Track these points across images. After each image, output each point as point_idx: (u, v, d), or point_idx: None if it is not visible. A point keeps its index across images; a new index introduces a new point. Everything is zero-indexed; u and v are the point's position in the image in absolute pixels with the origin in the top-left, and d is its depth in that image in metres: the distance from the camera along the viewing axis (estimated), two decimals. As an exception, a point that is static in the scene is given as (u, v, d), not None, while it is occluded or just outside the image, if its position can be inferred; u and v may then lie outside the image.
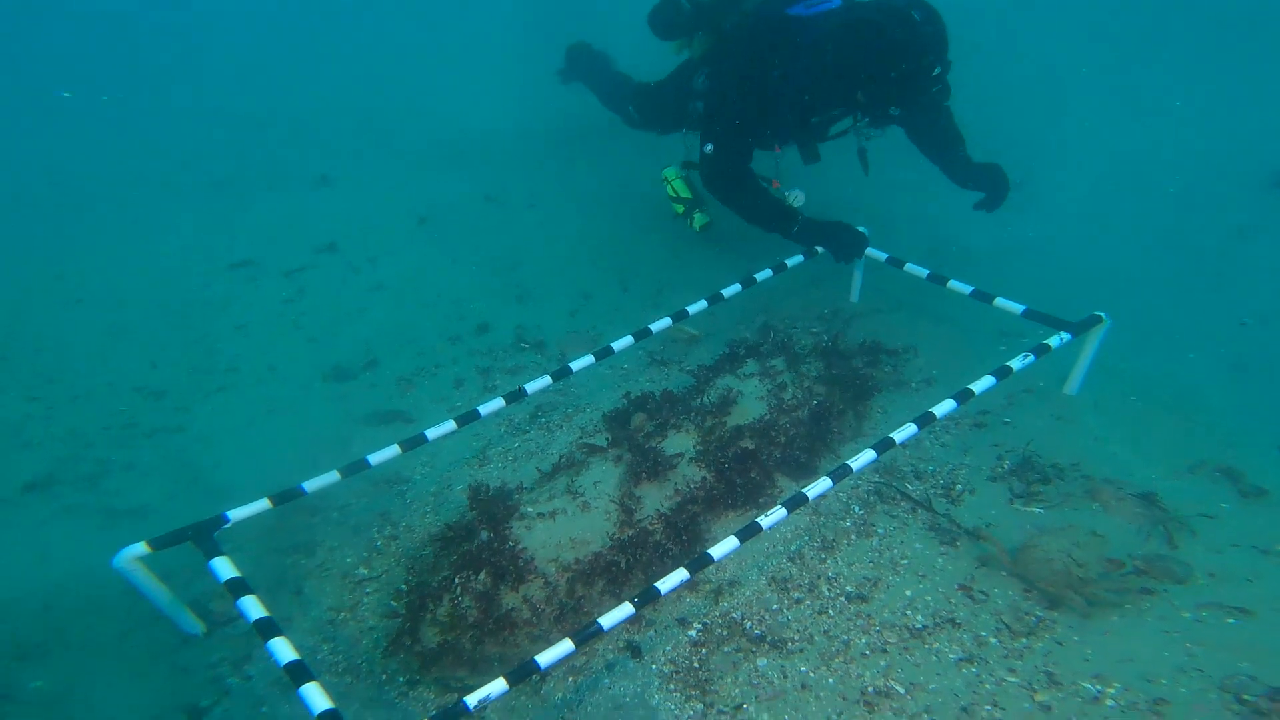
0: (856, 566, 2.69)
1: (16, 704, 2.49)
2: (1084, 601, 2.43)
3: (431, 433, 2.92)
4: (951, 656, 2.34)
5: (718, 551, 2.29)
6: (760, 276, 3.60)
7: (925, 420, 2.70)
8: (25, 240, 5.16)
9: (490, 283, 4.67)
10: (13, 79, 7.25)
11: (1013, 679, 2.26)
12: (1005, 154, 3.93)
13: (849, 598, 2.58)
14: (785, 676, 2.33)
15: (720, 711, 2.26)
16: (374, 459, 2.81)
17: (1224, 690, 2.15)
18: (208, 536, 2.45)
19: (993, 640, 2.38)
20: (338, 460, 2.82)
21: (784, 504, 2.42)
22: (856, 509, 2.94)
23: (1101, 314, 3.13)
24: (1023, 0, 6.62)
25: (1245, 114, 5.57)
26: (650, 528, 2.70)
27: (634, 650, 2.48)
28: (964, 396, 2.79)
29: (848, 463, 2.56)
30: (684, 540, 2.70)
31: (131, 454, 3.58)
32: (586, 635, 2.10)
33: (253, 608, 2.22)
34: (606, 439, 3.10)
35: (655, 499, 2.79)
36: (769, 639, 2.45)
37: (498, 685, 1.96)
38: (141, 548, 2.40)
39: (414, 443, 2.89)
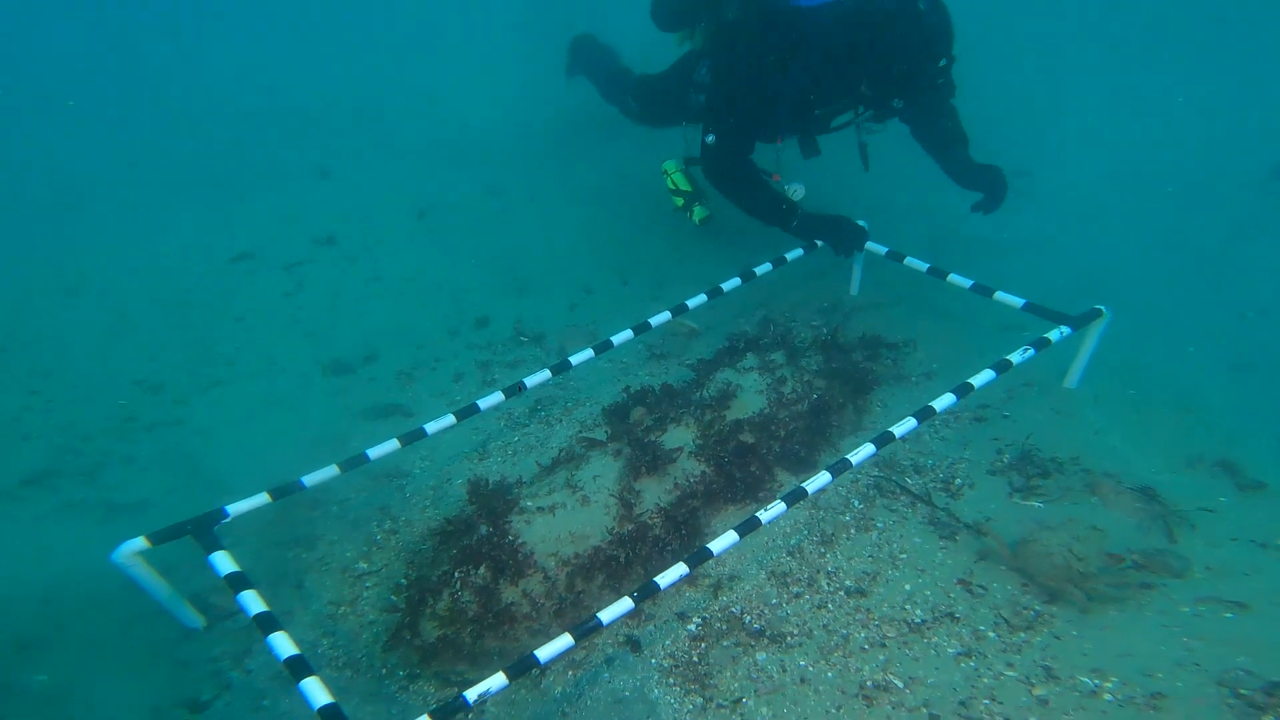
0: (856, 561, 2.69)
1: (17, 698, 2.49)
2: (1084, 596, 2.43)
3: (431, 427, 2.92)
4: (950, 651, 2.35)
5: (717, 546, 2.29)
6: (760, 270, 3.60)
7: (925, 414, 2.70)
8: (24, 234, 5.14)
9: (489, 276, 4.67)
10: (12, 75, 7.21)
11: (1011, 673, 2.26)
12: (1006, 149, 3.93)
13: (848, 592, 2.58)
14: (784, 671, 2.34)
15: (719, 705, 2.26)
16: (373, 453, 2.81)
17: (1221, 684, 2.16)
18: (207, 531, 2.45)
19: (991, 634, 2.39)
20: (337, 454, 2.82)
21: (783, 498, 2.42)
22: (856, 503, 2.94)
23: (1101, 308, 3.13)
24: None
25: (1246, 110, 5.56)
26: (650, 522, 2.70)
27: (633, 645, 2.49)
28: (964, 390, 2.78)
29: (847, 457, 2.55)
30: (683, 535, 2.70)
31: (130, 447, 3.58)
32: (586, 630, 2.10)
33: (253, 602, 2.22)
34: (606, 433, 3.10)
35: (655, 493, 2.79)
36: (768, 633, 2.46)
37: (497, 680, 1.96)
38: (141, 542, 2.40)
39: (413, 437, 2.89)
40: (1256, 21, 6.03)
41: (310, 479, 2.70)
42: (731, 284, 3.54)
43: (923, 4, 3.14)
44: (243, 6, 7.97)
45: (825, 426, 3.18)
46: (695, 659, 2.41)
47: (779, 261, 3.65)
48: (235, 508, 2.54)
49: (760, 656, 2.39)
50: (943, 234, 4.67)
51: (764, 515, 2.37)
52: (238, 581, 2.29)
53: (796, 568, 2.69)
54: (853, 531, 2.81)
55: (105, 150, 6.13)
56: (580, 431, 3.27)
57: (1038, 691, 2.20)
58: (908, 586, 2.58)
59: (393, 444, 2.85)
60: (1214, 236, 4.65)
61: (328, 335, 4.26)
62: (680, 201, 4.32)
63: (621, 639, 2.51)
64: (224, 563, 2.35)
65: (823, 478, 2.50)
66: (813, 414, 3.14)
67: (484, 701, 2.04)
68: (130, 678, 2.55)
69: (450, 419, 2.96)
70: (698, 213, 4.27)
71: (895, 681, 2.27)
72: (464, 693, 1.93)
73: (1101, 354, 3.30)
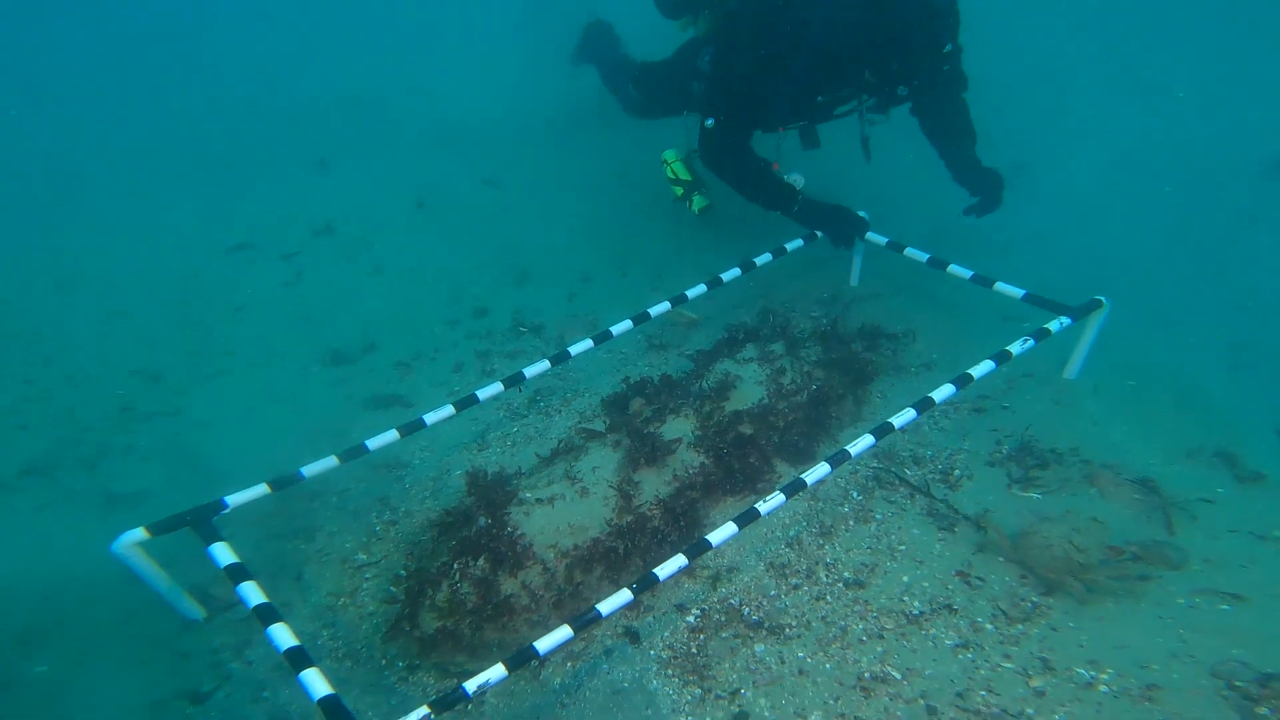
0: (854, 552, 2.70)
1: (18, 689, 2.51)
2: (1083, 588, 2.44)
3: (430, 417, 2.91)
4: (948, 642, 2.36)
5: (716, 537, 2.29)
6: (760, 260, 3.59)
7: (924, 405, 2.70)
8: (21, 224, 5.13)
9: (489, 266, 4.65)
10: (11, 68, 7.17)
11: (1008, 664, 2.27)
12: (1008, 140, 3.90)
13: (847, 583, 2.59)
14: (783, 662, 2.35)
15: (718, 696, 2.27)
16: (372, 444, 2.81)
17: (1215, 676, 2.17)
18: (206, 522, 2.46)
19: (989, 626, 2.39)
20: (336, 445, 2.82)
21: (782, 490, 2.42)
22: (855, 494, 2.95)
23: (1101, 299, 3.12)
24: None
25: (1248, 102, 5.52)
26: (649, 513, 2.70)
27: (632, 636, 2.49)
28: (963, 381, 2.78)
29: (846, 448, 2.55)
30: (682, 526, 2.71)
31: (129, 438, 3.58)
32: (585, 621, 2.11)
33: (252, 593, 2.23)
34: (605, 424, 3.10)
35: (654, 484, 2.79)
36: (767, 625, 2.46)
37: (497, 671, 1.97)
38: (140, 533, 2.40)
39: (412, 427, 2.89)
40: (1257, 15, 5.99)
41: (309, 470, 2.70)
42: (731, 274, 3.54)
43: None
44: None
45: (824, 417, 3.17)
46: (694, 650, 2.42)
47: (779, 252, 3.64)
48: (234, 499, 2.54)
49: (759, 648, 2.40)
50: (943, 225, 4.65)
51: (763, 507, 2.37)
52: (237, 573, 2.30)
53: (795, 559, 2.70)
54: (851, 523, 2.82)
55: (103, 140, 6.10)
56: (579, 422, 3.27)
57: (1034, 683, 2.21)
58: (906, 578, 2.58)
59: (392, 435, 2.85)
60: (1215, 228, 4.63)
61: (327, 325, 4.26)
62: (680, 191, 4.30)
63: (620, 630, 2.52)
64: (223, 554, 2.35)
65: (822, 469, 2.50)
66: (812, 405, 3.14)
67: (483, 692, 2.05)
68: (130, 669, 2.56)
69: (449, 409, 2.95)
70: (697, 202, 4.25)
71: (893, 673, 2.28)
72: (463, 684, 1.94)
73: (1101, 345, 3.30)
